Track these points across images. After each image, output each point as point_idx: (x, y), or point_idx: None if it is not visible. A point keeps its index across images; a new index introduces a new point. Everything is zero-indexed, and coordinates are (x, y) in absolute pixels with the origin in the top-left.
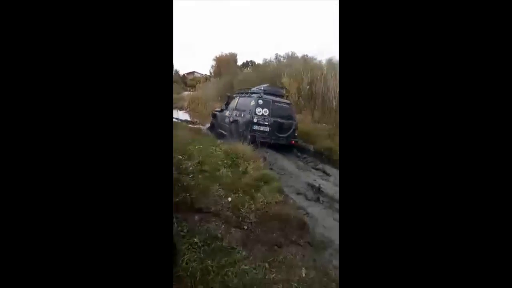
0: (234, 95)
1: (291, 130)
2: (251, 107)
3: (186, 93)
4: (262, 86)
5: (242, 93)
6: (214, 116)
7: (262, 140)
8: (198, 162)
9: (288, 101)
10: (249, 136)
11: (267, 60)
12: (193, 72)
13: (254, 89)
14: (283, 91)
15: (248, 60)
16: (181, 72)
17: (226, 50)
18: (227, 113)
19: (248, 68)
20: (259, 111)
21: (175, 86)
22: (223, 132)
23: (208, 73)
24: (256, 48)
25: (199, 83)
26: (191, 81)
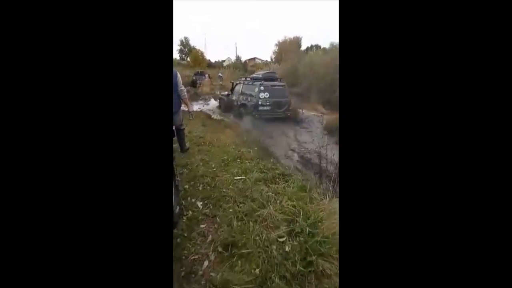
0: (238, 82)
1: (286, 106)
2: (255, 93)
3: None
4: (261, 73)
5: (244, 81)
6: (221, 99)
7: (265, 116)
8: (228, 251)
9: (282, 83)
10: (256, 115)
11: (334, 44)
12: (254, 58)
13: (253, 75)
14: (277, 75)
15: (313, 44)
16: (243, 59)
17: (290, 35)
18: (233, 97)
19: (312, 52)
20: (262, 95)
21: (236, 72)
22: (231, 113)
23: (269, 59)
24: (322, 32)
25: (260, 69)
26: (252, 67)
